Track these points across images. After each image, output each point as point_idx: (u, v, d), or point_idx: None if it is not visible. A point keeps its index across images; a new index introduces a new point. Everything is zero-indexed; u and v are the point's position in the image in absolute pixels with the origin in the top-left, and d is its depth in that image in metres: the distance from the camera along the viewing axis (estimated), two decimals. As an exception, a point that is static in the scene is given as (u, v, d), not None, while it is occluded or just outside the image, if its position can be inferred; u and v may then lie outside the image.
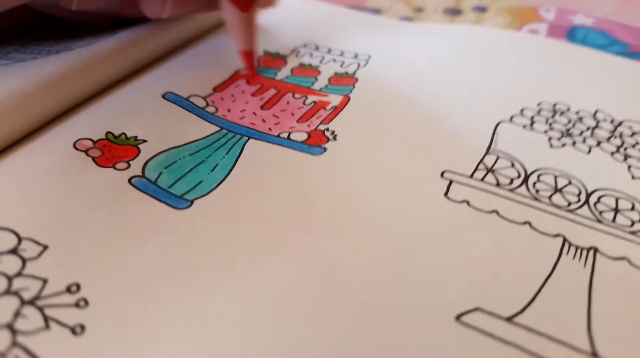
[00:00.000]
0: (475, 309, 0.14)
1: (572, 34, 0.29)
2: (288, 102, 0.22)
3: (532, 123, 0.21)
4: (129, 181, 0.17)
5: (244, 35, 0.22)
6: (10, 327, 0.13)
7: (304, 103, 0.22)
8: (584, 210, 0.17)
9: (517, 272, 0.15)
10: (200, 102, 0.21)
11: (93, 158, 0.18)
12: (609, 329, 0.13)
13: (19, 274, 0.14)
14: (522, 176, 0.18)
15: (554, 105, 0.22)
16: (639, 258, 0.15)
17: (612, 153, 0.19)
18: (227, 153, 0.19)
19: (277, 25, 0.29)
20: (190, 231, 0.16)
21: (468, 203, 0.17)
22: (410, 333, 0.13)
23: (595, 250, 0.15)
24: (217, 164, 0.18)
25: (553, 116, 0.21)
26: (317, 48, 0.26)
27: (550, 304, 0.14)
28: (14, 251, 0.15)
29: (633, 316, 0.14)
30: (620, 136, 0.20)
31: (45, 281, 0.14)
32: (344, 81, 0.23)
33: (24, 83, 0.18)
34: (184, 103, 0.21)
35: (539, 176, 0.18)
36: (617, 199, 0.17)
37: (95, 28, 0.24)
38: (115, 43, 0.22)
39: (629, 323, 0.13)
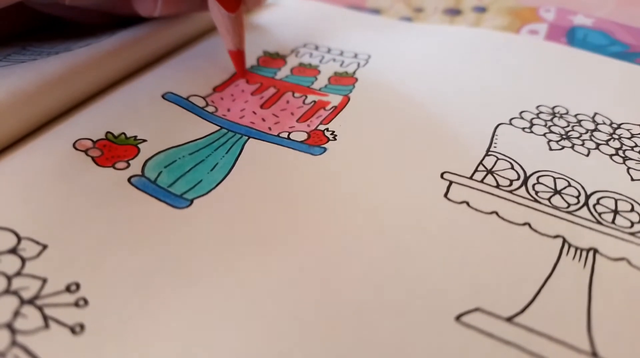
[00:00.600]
0: (476, 309, 0.14)
1: (572, 34, 0.29)
2: (288, 102, 0.22)
3: (531, 126, 0.21)
4: (129, 180, 0.17)
5: (232, 36, 0.22)
6: (9, 327, 0.13)
7: (303, 102, 0.22)
8: (584, 211, 0.17)
9: (517, 273, 0.15)
10: (200, 102, 0.21)
11: (93, 158, 0.18)
12: (609, 329, 0.13)
13: (18, 273, 0.14)
14: (522, 178, 0.18)
15: (553, 108, 0.22)
16: (638, 259, 0.15)
17: (611, 155, 0.19)
18: (226, 153, 0.19)
19: (277, 25, 0.29)
20: (189, 231, 0.16)
21: (468, 203, 0.17)
22: (410, 333, 0.13)
23: (595, 251, 0.15)
24: (216, 164, 0.18)
25: (552, 119, 0.21)
26: (316, 48, 0.26)
27: (550, 304, 0.14)
28: (13, 250, 0.14)
29: (633, 316, 0.14)
30: (619, 138, 0.20)
31: (44, 280, 0.14)
32: (344, 81, 0.23)
33: (24, 83, 0.18)
34: (184, 103, 0.21)
35: (538, 177, 0.18)
36: (616, 201, 0.17)
37: (94, 29, 0.24)
38: (115, 43, 0.22)
39: (629, 324, 0.14)
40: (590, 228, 0.16)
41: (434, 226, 0.16)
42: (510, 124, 0.21)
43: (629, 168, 0.19)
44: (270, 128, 0.20)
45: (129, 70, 0.23)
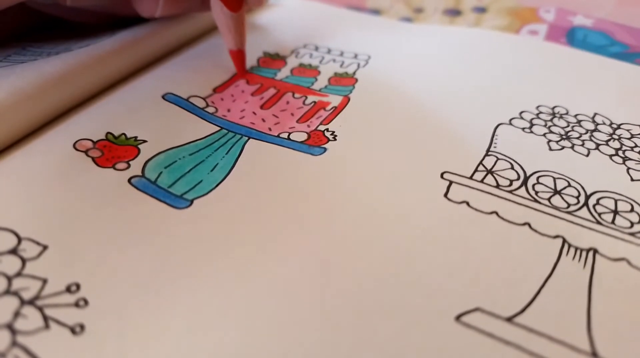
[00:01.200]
0: (475, 309, 0.14)
1: (572, 35, 0.29)
2: (288, 102, 0.22)
3: (531, 126, 0.21)
4: (129, 181, 0.17)
5: (234, 35, 0.22)
6: (10, 327, 0.13)
7: (303, 103, 0.22)
8: (584, 212, 0.17)
9: (516, 273, 0.15)
10: (200, 103, 0.21)
11: (93, 159, 0.18)
12: (609, 329, 0.13)
13: (18, 274, 0.14)
14: (522, 178, 0.18)
15: (553, 108, 0.22)
16: (638, 259, 0.15)
17: (611, 156, 0.19)
18: (226, 153, 0.19)
19: (277, 25, 0.29)
20: (189, 231, 0.16)
21: (468, 203, 0.17)
22: (410, 333, 0.13)
23: (595, 251, 0.15)
24: (217, 164, 0.18)
25: (552, 120, 0.21)
26: (316, 48, 0.26)
27: (550, 304, 0.14)
28: (13, 251, 0.15)
29: (633, 316, 0.14)
30: (619, 138, 0.20)
31: (45, 281, 0.14)
32: (344, 82, 0.23)
33: (24, 83, 0.18)
34: (184, 104, 0.21)
35: (538, 178, 0.18)
36: (616, 201, 0.17)
37: (94, 29, 0.24)
38: (115, 44, 0.22)
39: (629, 324, 0.14)
40: (590, 228, 0.16)
41: (434, 226, 0.16)
42: (510, 124, 0.21)
43: (628, 168, 0.19)
44: (270, 129, 0.20)
45: (129, 70, 0.23)
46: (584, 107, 0.22)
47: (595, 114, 0.22)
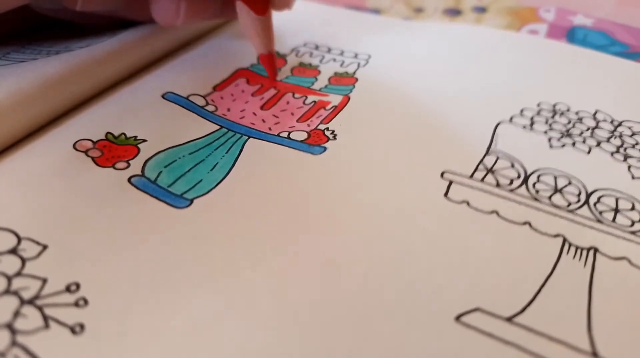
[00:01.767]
0: (475, 309, 0.14)
1: (572, 35, 0.29)
2: (288, 102, 0.22)
3: (532, 124, 0.21)
4: (129, 180, 0.17)
5: (262, 39, 0.22)
6: (9, 327, 0.13)
7: (304, 103, 0.22)
8: (584, 210, 0.17)
9: (517, 272, 0.15)
10: (200, 101, 0.21)
11: (93, 158, 0.18)
12: (609, 329, 0.13)
13: (18, 274, 0.14)
14: (522, 177, 0.18)
15: (554, 105, 0.22)
16: (639, 258, 0.15)
17: (612, 153, 0.19)
18: (226, 152, 0.19)
19: (277, 24, 0.29)
20: (189, 231, 0.16)
21: (468, 203, 0.17)
22: (410, 333, 0.13)
23: (596, 250, 0.15)
24: (216, 164, 0.18)
25: (553, 117, 0.21)
26: (316, 47, 0.26)
27: (550, 304, 0.14)
28: (13, 251, 0.15)
29: (633, 316, 0.14)
30: (620, 136, 0.20)
31: (44, 280, 0.14)
32: (344, 81, 0.23)
33: (24, 84, 0.18)
34: (184, 102, 0.21)
35: (538, 176, 0.18)
36: (617, 199, 0.17)
37: (95, 29, 0.24)
38: (115, 44, 0.22)
39: (629, 323, 0.13)
40: (591, 227, 0.16)
41: (434, 225, 0.16)
42: (511, 122, 0.21)
43: (629, 166, 0.19)
44: (270, 128, 0.20)
45: (129, 71, 0.23)
46: (585, 104, 0.22)
47: (597, 111, 0.22)
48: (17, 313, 0.13)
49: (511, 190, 0.17)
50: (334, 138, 0.20)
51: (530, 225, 0.16)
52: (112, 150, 0.18)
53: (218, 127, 0.20)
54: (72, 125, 0.19)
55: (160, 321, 0.13)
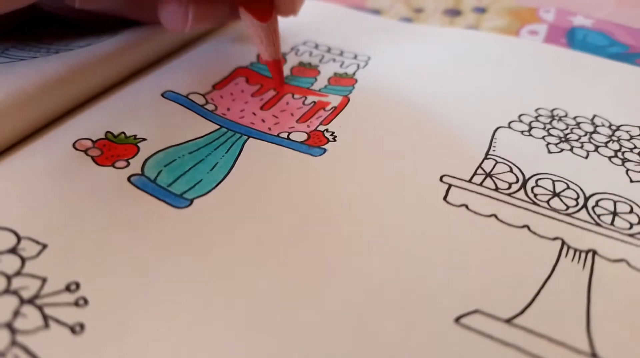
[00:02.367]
0: (475, 311, 0.14)
1: (572, 35, 0.29)
2: (287, 103, 0.22)
3: (530, 129, 0.21)
4: (129, 179, 0.17)
5: (267, 45, 0.21)
6: (9, 326, 0.13)
7: (303, 103, 0.22)
8: (583, 213, 0.17)
9: (516, 274, 0.15)
10: (200, 100, 0.21)
11: (92, 158, 0.18)
12: (608, 330, 0.13)
13: (18, 273, 0.14)
14: (521, 181, 0.18)
15: (552, 111, 0.22)
16: (637, 260, 0.15)
17: (610, 157, 0.19)
18: (226, 152, 0.19)
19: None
20: (189, 231, 0.16)
21: (467, 207, 0.17)
22: (409, 335, 0.13)
23: (594, 253, 0.15)
24: (216, 163, 0.18)
25: (551, 122, 0.21)
26: (316, 46, 0.26)
27: (549, 306, 0.14)
28: (13, 250, 0.14)
29: (632, 317, 0.14)
30: (618, 140, 0.20)
31: (44, 280, 0.14)
32: (344, 82, 0.23)
33: (24, 83, 0.18)
34: (183, 101, 0.21)
35: (537, 180, 0.18)
36: (615, 203, 0.17)
37: (95, 28, 0.24)
38: (116, 44, 0.22)
39: (628, 325, 0.14)
40: (589, 230, 0.16)
41: (433, 228, 0.16)
42: (509, 127, 0.21)
43: (628, 170, 0.19)
44: (270, 128, 0.20)
45: (129, 71, 0.22)
46: (583, 109, 0.22)
47: (595, 115, 0.22)
48: (16, 313, 0.13)
49: (510, 194, 0.17)
50: (334, 139, 0.20)
51: (529, 228, 0.16)
52: (112, 149, 0.18)
53: (218, 126, 0.20)
54: (72, 124, 0.19)
55: (160, 321, 0.13)
